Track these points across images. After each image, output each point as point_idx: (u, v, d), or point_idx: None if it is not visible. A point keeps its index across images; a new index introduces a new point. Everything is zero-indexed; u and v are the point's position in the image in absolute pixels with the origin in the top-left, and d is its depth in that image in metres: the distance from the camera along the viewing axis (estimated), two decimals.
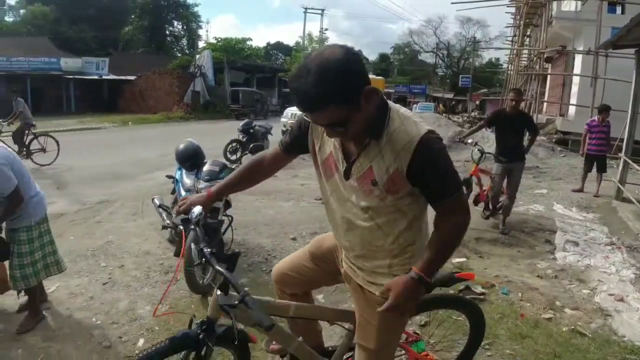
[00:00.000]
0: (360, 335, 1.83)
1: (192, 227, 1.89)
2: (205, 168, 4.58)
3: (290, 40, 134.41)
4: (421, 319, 3.27)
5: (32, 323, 3.30)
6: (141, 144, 14.35)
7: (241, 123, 11.43)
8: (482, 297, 3.77)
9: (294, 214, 6.43)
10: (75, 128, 19.35)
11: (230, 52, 34.80)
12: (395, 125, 1.53)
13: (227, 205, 4.77)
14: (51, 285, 3.84)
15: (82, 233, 5.41)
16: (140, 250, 4.78)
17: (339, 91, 1.35)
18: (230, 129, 12.97)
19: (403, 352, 2.38)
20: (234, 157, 10.58)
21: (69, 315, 3.50)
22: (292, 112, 15.75)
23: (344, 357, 2.17)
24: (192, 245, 1.93)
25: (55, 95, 27.89)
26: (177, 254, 3.89)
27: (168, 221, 4.69)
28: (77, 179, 8.47)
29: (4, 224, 3.22)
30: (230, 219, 4.76)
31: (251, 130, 11.10)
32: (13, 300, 3.61)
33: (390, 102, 1.60)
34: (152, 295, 3.79)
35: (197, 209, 1.89)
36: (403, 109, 1.62)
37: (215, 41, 40.84)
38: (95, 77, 28.88)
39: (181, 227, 1.93)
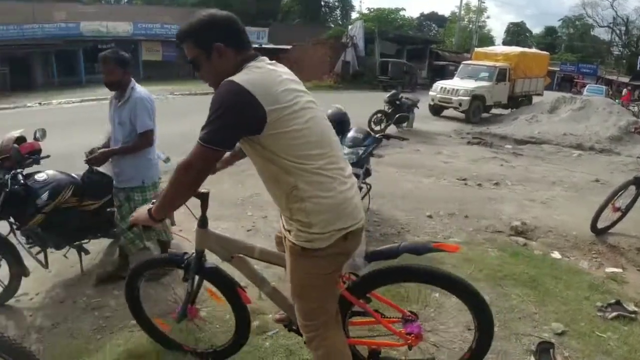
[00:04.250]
0: (287, 277, 1.95)
1: None
2: (350, 134, 4.66)
3: (445, 10, 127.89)
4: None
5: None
6: None
7: (387, 94, 11.30)
8: (632, 315, 3.16)
9: (432, 190, 6.23)
10: None
11: (382, 23, 34.37)
12: None
13: (367, 173, 4.80)
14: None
15: (235, 182, 5.99)
16: None
17: (195, 33, 1.70)
18: (377, 100, 12.93)
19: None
20: (378, 128, 10.56)
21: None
22: (442, 86, 14.89)
23: None
24: None
25: None
26: None
27: None
28: None
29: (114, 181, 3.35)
30: (368, 187, 4.79)
31: (397, 102, 10.92)
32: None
33: (259, 62, 1.70)
34: None
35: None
36: (265, 67, 1.69)
37: (368, 12, 40.84)
38: (256, 46, 30.41)
39: None
